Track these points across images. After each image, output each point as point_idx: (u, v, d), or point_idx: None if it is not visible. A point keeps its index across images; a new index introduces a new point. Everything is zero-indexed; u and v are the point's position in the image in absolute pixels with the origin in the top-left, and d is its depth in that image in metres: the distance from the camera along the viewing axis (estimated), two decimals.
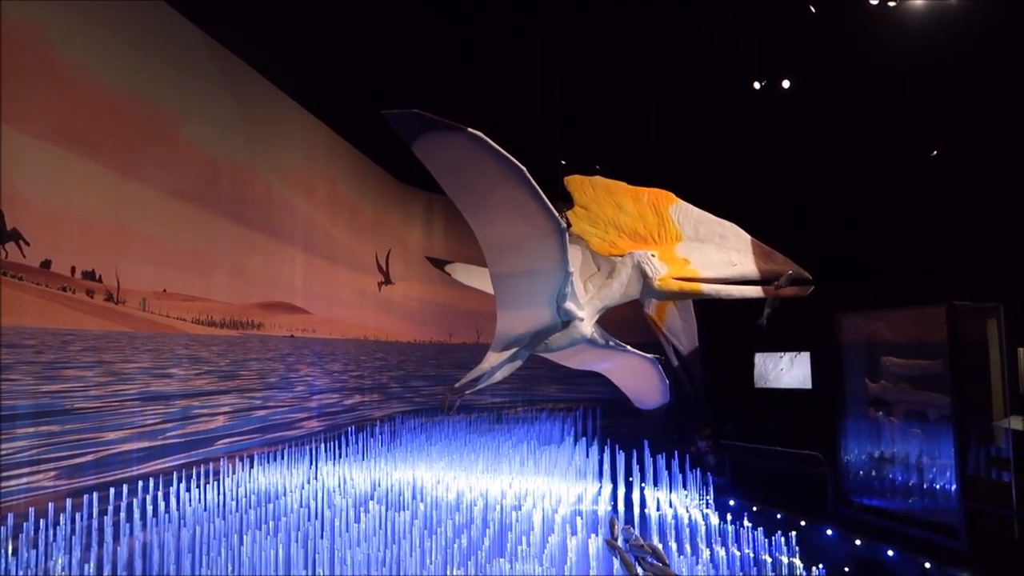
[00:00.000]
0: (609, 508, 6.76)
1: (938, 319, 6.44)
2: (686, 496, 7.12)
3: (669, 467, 7.41)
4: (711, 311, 9.63)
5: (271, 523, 5.38)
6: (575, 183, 4.44)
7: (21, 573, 4.35)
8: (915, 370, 6.82)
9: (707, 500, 7.06)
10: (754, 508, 7.37)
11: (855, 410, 7.48)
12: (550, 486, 7.05)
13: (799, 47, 8.34)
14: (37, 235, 5.04)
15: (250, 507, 5.91)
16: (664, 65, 8.96)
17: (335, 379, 9.82)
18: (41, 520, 4.72)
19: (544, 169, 4.16)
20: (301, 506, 5.99)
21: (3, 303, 4.71)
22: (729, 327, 8.48)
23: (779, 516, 7.13)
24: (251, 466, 6.90)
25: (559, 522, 5.66)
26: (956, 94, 7.79)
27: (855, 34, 7.79)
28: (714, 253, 4.03)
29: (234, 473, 6.66)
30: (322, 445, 7.97)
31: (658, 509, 6.61)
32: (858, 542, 6.40)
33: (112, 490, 5.40)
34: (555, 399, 13.15)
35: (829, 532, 6.71)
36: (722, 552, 5.20)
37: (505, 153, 3.19)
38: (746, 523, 5.55)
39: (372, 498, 6.37)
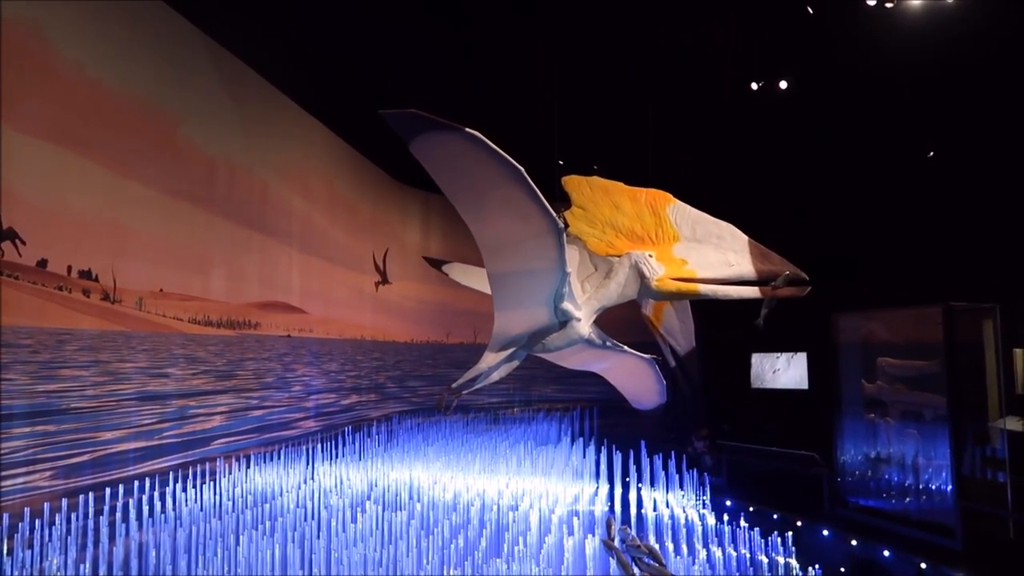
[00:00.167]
0: (606, 508, 6.76)
1: (934, 320, 6.45)
2: (683, 496, 7.13)
3: (666, 467, 7.42)
4: (708, 312, 9.64)
5: (267, 523, 5.37)
6: (572, 183, 4.44)
7: (17, 573, 4.34)
8: (911, 370, 6.83)
9: (704, 500, 7.07)
10: (751, 508, 7.38)
11: (851, 410, 7.50)
12: (547, 486, 7.05)
13: (796, 48, 8.35)
14: (33, 234, 5.02)
15: (246, 507, 5.90)
16: (662, 65, 8.96)
17: (332, 379, 9.81)
18: (37, 520, 4.70)
19: (541, 169, 4.16)
20: (298, 506, 5.98)
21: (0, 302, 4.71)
22: (726, 328, 8.51)
23: (775, 516, 7.14)
24: (248, 466, 6.89)
25: (556, 522, 5.66)
26: (952, 95, 7.82)
27: (852, 35, 7.81)
28: (711, 253, 4.03)
29: (230, 473, 6.65)
30: (319, 445, 7.96)
31: (655, 509, 6.61)
32: (854, 542, 6.41)
33: (108, 490, 5.39)
34: (552, 399, 13.16)
35: (825, 532, 6.72)
36: (719, 552, 5.20)
37: (503, 153, 3.19)
38: (743, 523, 5.55)
39: (369, 498, 6.36)
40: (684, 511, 6.59)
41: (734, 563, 5.17)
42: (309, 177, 9.33)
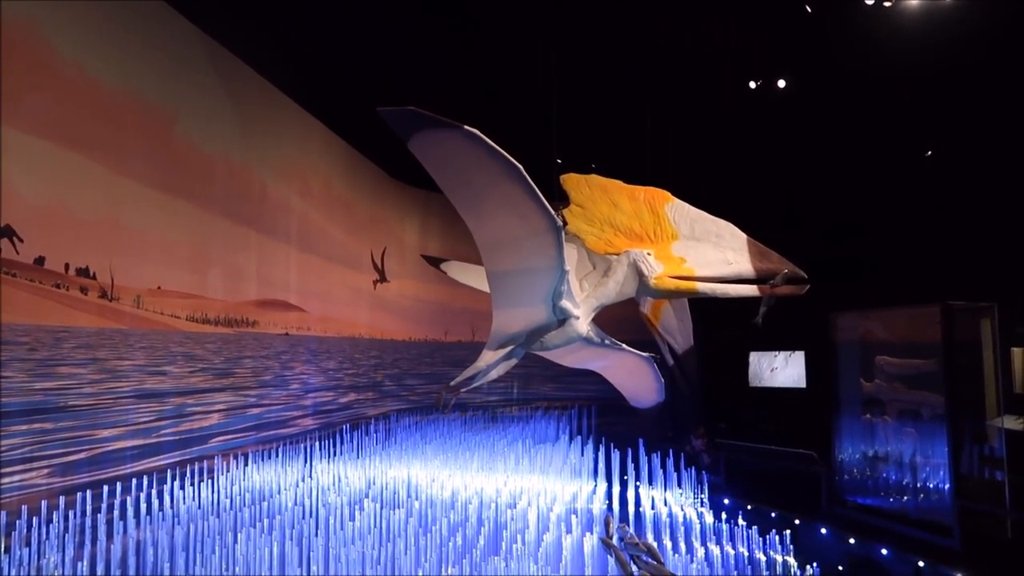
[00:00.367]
0: (604, 506, 6.77)
1: (932, 319, 6.46)
2: (681, 495, 7.13)
3: (664, 466, 7.43)
4: (707, 310, 9.65)
5: (265, 521, 5.36)
6: (571, 181, 4.44)
7: (14, 571, 4.33)
8: (909, 369, 6.84)
9: (702, 499, 7.08)
10: (749, 507, 7.40)
11: (849, 409, 7.50)
12: (545, 484, 7.05)
13: (795, 47, 8.35)
14: (31, 232, 5.01)
15: (244, 505, 5.89)
16: (661, 64, 8.96)
17: (330, 377, 9.80)
18: (34, 518, 4.69)
19: (540, 167, 4.15)
20: (295, 504, 5.98)
21: None
22: (725, 326, 8.51)
23: (773, 515, 7.15)
24: (245, 464, 6.88)
25: (554, 520, 5.67)
26: (951, 95, 7.82)
27: (851, 34, 7.81)
28: (710, 252, 4.03)
29: (228, 471, 6.64)
30: (317, 443, 7.95)
31: (653, 507, 6.61)
32: (852, 541, 6.42)
33: (106, 488, 5.38)
34: (550, 397, 13.17)
35: (823, 531, 6.72)
36: (716, 550, 5.21)
37: (501, 151, 3.19)
38: (741, 522, 5.56)
39: (367, 496, 6.36)
40: (682, 509, 6.60)
41: (732, 561, 5.17)
42: (307, 175, 9.32)
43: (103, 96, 5.78)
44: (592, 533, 5.32)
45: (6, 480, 4.71)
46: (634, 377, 5.36)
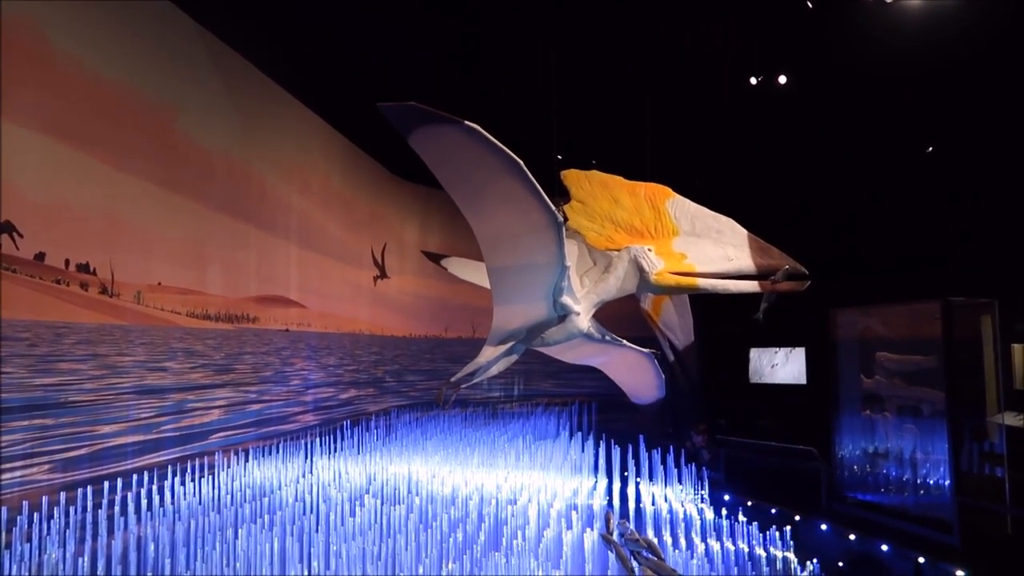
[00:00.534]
0: (604, 503, 6.77)
1: (933, 315, 6.46)
2: (681, 491, 7.14)
3: (664, 462, 7.42)
4: (707, 306, 9.66)
5: (266, 517, 5.37)
6: (572, 177, 4.44)
7: (15, 567, 4.33)
8: (909, 366, 6.84)
9: (702, 495, 7.08)
10: (749, 503, 7.41)
11: (849, 406, 7.51)
12: (545, 481, 7.05)
13: (795, 44, 8.33)
14: (31, 227, 5.00)
15: (245, 501, 5.90)
16: (661, 61, 8.94)
17: (330, 373, 9.80)
18: (35, 513, 4.70)
19: (540, 164, 4.15)
20: (296, 500, 5.99)
21: None
22: (725, 322, 8.51)
23: (773, 511, 7.16)
24: (246, 460, 6.89)
25: (555, 516, 5.67)
26: (951, 92, 7.81)
27: (852, 31, 7.79)
28: (711, 248, 4.03)
29: (229, 467, 6.65)
30: (317, 439, 7.96)
31: (653, 504, 6.62)
32: (852, 537, 6.43)
33: (106, 483, 5.38)
34: (551, 394, 13.17)
35: (823, 527, 6.73)
36: (717, 546, 5.22)
37: (502, 146, 3.18)
38: (741, 518, 5.56)
39: (367, 492, 6.37)
40: (682, 505, 6.60)
41: (732, 557, 5.17)
42: (307, 171, 9.31)
43: (103, 92, 5.77)
44: (592, 529, 5.32)
45: (7, 476, 4.71)
46: (634, 373, 5.36)
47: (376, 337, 11.33)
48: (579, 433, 10.15)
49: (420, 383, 12.12)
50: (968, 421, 6.48)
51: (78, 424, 5.35)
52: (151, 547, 4.64)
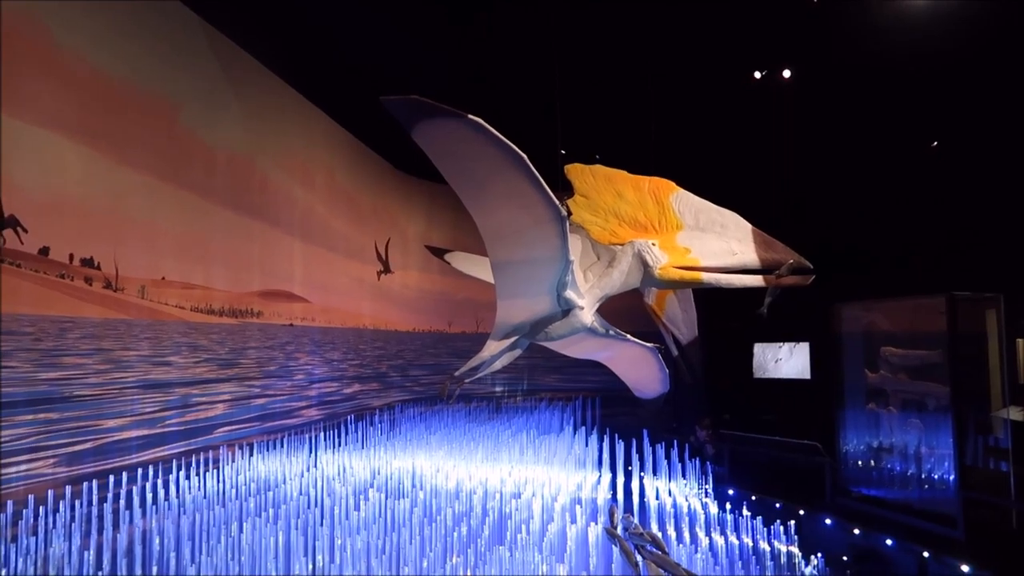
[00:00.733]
0: (608, 497, 6.77)
1: (937, 309, 6.42)
2: (685, 485, 7.13)
3: (668, 456, 7.42)
4: (711, 301, 9.64)
5: (271, 511, 5.38)
6: (575, 171, 4.42)
7: (21, 560, 4.36)
8: (914, 360, 6.81)
9: (706, 489, 7.07)
10: (753, 497, 7.40)
11: (854, 400, 7.48)
12: (549, 475, 7.06)
13: (800, 37, 8.29)
14: (35, 222, 5.01)
15: (250, 495, 5.92)
16: (665, 55, 8.90)
17: (334, 368, 9.82)
18: (40, 507, 4.73)
19: (544, 158, 4.13)
20: (301, 494, 6.00)
21: (1, 290, 4.70)
22: (729, 317, 8.49)
23: (778, 505, 7.16)
24: (251, 454, 6.92)
25: (558, 511, 5.67)
26: (956, 85, 7.76)
27: (859, 25, 7.74)
28: (714, 242, 4.01)
29: (234, 461, 6.67)
30: (322, 433, 7.98)
31: (657, 498, 6.62)
32: (856, 531, 6.43)
33: (112, 478, 5.41)
34: (554, 388, 13.17)
35: (828, 521, 6.73)
36: (721, 541, 5.22)
37: (505, 140, 3.16)
38: (745, 512, 5.56)
39: (372, 486, 6.38)
40: (686, 499, 6.60)
41: (736, 551, 5.17)
42: (311, 166, 9.31)
43: (106, 87, 5.77)
44: (597, 523, 5.32)
45: (13, 470, 4.73)
46: (638, 368, 5.35)
47: (380, 332, 11.35)
48: (583, 428, 10.15)
49: (424, 378, 12.13)
50: (973, 415, 6.46)
51: (83, 418, 5.38)
52: (156, 541, 4.67)
